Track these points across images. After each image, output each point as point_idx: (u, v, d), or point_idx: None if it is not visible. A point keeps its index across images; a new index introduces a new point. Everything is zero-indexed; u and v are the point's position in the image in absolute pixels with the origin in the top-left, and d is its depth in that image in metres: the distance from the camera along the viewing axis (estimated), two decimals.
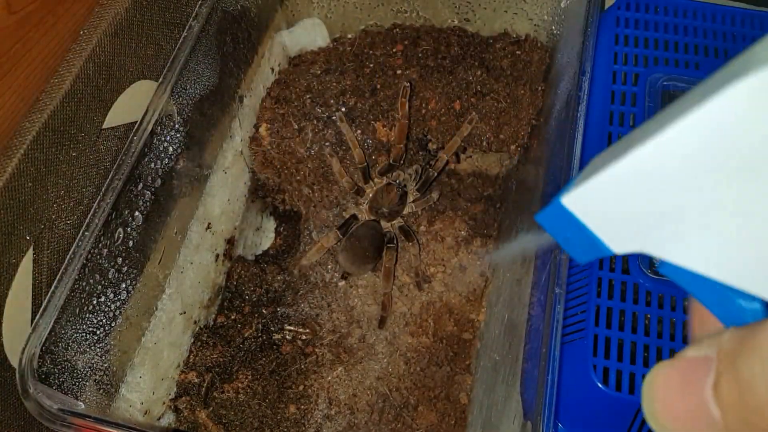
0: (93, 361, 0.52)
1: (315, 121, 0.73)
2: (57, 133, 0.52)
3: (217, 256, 0.71)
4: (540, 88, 0.71)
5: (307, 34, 0.81)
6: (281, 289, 0.73)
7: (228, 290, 0.73)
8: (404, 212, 0.73)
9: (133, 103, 0.59)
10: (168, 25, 0.63)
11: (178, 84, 0.59)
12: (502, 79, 0.72)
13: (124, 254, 0.55)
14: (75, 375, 0.50)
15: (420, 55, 0.76)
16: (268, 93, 0.77)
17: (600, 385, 0.49)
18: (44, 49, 0.52)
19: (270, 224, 0.80)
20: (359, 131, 0.73)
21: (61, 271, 0.49)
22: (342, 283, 0.73)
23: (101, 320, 0.53)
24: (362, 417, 0.65)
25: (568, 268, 0.47)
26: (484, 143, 0.73)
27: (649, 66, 0.64)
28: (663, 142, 0.17)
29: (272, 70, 0.78)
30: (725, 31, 0.66)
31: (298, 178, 0.76)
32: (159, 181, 0.59)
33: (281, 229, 0.80)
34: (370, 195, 0.73)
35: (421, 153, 0.75)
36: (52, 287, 0.48)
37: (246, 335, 0.69)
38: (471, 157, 0.78)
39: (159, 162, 0.58)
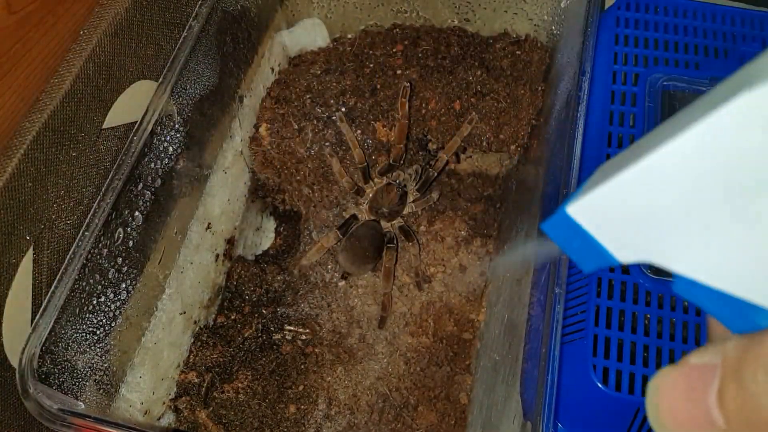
0: (93, 361, 0.52)
1: (315, 121, 0.73)
2: (57, 133, 0.52)
3: (217, 256, 0.71)
4: (540, 88, 0.71)
5: (307, 34, 0.81)
6: (281, 289, 0.73)
7: (228, 290, 0.73)
8: (404, 212, 0.73)
9: (133, 103, 0.59)
10: (168, 25, 0.63)
11: (178, 84, 0.59)
12: (502, 79, 0.72)
13: (124, 254, 0.55)
14: (75, 375, 0.50)
15: (420, 55, 0.76)
16: (268, 93, 0.77)
17: (600, 385, 0.49)
18: (44, 49, 0.52)
19: (270, 224, 0.80)
20: (359, 131, 0.73)
21: (61, 271, 0.49)
22: (342, 283, 0.73)
23: (101, 320, 0.53)
24: (362, 417, 0.65)
25: (568, 268, 0.47)
26: (484, 143, 0.73)
27: (649, 66, 0.64)
28: (669, 153, 0.17)
29: (272, 70, 0.78)
30: (725, 31, 0.66)
31: (298, 178, 0.76)
32: (159, 181, 0.59)
33: (281, 229, 0.80)
34: (370, 195, 0.73)
35: (421, 153, 0.75)
36: (52, 287, 0.48)
37: (246, 335, 0.69)
38: (471, 157, 0.78)
39: (159, 162, 0.58)
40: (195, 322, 0.68)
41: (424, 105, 0.72)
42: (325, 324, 0.71)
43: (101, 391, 0.54)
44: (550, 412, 0.42)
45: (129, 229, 0.55)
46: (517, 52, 0.75)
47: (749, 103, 0.15)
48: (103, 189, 0.52)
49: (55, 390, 0.47)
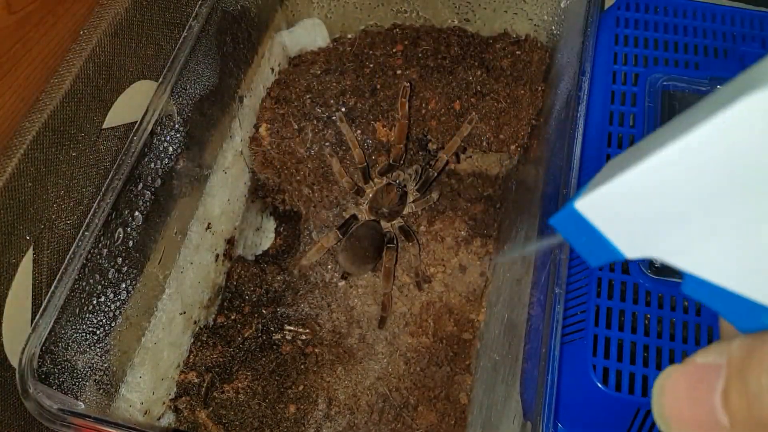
0: (93, 361, 0.52)
1: (315, 121, 0.73)
2: (57, 133, 0.52)
3: (217, 256, 0.71)
4: (540, 88, 0.71)
5: (307, 34, 0.81)
6: (281, 289, 0.73)
7: (228, 290, 0.73)
8: (404, 212, 0.73)
9: (133, 103, 0.59)
10: (168, 25, 0.63)
11: (178, 84, 0.59)
12: (502, 79, 0.72)
13: (124, 254, 0.55)
14: (75, 375, 0.50)
15: (420, 55, 0.76)
16: (268, 93, 0.77)
17: (599, 385, 0.49)
18: (44, 49, 0.52)
19: (270, 224, 0.80)
20: (359, 131, 0.73)
21: (61, 271, 0.49)
22: (342, 283, 0.73)
23: (101, 320, 0.53)
24: (362, 417, 0.65)
25: (568, 268, 0.47)
26: (484, 143, 0.73)
27: (649, 66, 0.64)
28: (676, 151, 0.17)
29: (272, 70, 0.78)
30: (725, 31, 0.66)
31: (298, 178, 0.76)
32: (159, 181, 0.59)
33: (281, 229, 0.80)
34: (370, 195, 0.73)
35: (421, 153, 0.75)
36: (52, 287, 0.48)
37: (246, 335, 0.69)
38: (471, 157, 0.78)
39: (159, 162, 0.58)
40: (195, 322, 0.68)
41: (424, 105, 0.72)
42: (325, 324, 0.71)
43: (101, 391, 0.54)
44: (550, 412, 0.42)
45: (129, 229, 0.55)
46: (517, 52, 0.75)
47: (757, 103, 0.15)
48: (103, 189, 0.52)
49: (55, 390, 0.47)
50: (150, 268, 0.59)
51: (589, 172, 0.58)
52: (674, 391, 0.18)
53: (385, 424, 0.65)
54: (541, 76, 0.72)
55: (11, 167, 0.48)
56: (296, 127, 0.74)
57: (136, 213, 0.56)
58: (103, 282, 0.53)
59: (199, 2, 0.63)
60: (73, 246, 0.50)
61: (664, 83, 0.63)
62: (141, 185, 0.56)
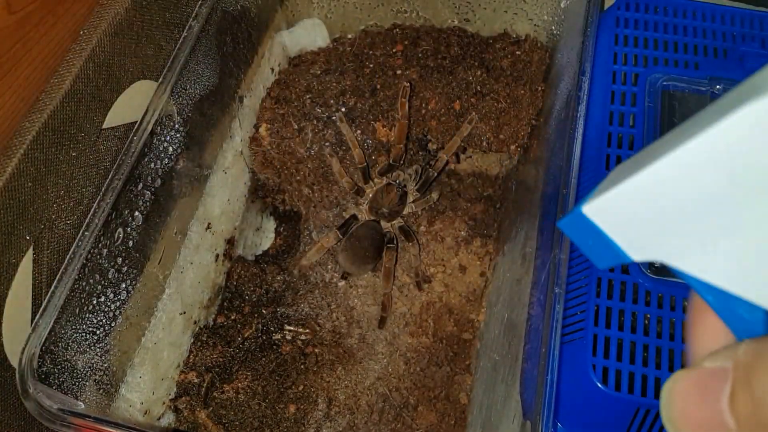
0: (93, 361, 0.52)
1: (315, 121, 0.73)
2: (57, 133, 0.52)
3: (217, 256, 0.71)
4: (540, 88, 0.71)
5: (307, 35, 0.82)
6: (281, 289, 0.73)
7: (228, 290, 0.73)
8: (404, 212, 0.73)
9: (133, 103, 0.59)
10: (168, 25, 0.63)
11: (178, 84, 0.59)
12: (502, 80, 0.72)
13: (124, 254, 0.55)
14: (75, 375, 0.50)
15: (420, 55, 0.76)
16: (268, 93, 0.77)
17: (599, 385, 0.49)
18: (44, 49, 0.52)
19: (270, 224, 0.80)
20: (359, 131, 0.73)
21: (61, 271, 0.49)
22: (342, 283, 0.73)
23: (101, 320, 0.53)
24: (362, 417, 0.65)
25: (568, 268, 0.47)
26: (484, 143, 0.73)
27: (649, 66, 0.64)
28: (682, 156, 0.17)
29: (272, 70, 0.78)
30: (725, 31, 0.66)
31: (298, 178, 0.76)
32: (159, 181, 0.59)
33: (281, 229, 0.80)
34: (370, 195, 0.73)
35: (421, 153, 0.75)
36: (52, 287, 0.48)
37: (246, 335, 0.69)
38: (471, 157, 0.78)
39: (159, 162, 0.58)
40: (195, 322, 0.68)
41: (424, 105, 0.72)
42: (325, 324, 0.71)
43: (101, 391, 0.54)
44: (550, 412, 0.42)
45: (129, 229, 0.55)
46: (517, 53, 0.75)
47: (761, 110, 0.16)
48: (103, 189, 0.52)
49: (55, 390, 0.47)
50: (150, 268, 0.59)
51: (589, 172, 0.58)
52: (682, 396, 0.18)
53: (385, 424, 0.65)
54: (541, 76, 0.72)
55: (11, 167, 0.48)
56: (296, 127, 0.74)
57: (136, 213, 0.56)
58: (103, 282, 0.53)
59: (199, 2, 0.63)
60: (73, 246, 0.50)
61: (664, 83, 0.63)
62: (141, 185, 0.56)
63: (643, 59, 0.65)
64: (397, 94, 0.71)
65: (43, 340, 0.47)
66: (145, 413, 0.60)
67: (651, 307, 0.52)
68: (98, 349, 0.53)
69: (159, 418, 0.62)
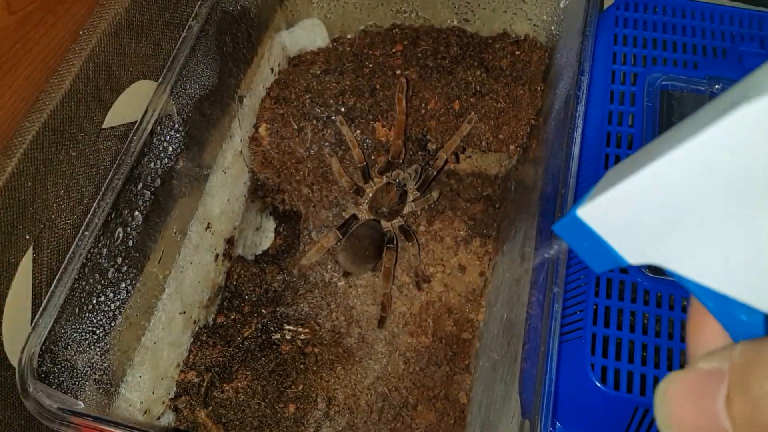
0: (93, 361, 0.53)
1: (314, 121, 0.73)
2: (57, 132, 0.52)
3: (217, 256, 0.72)
4: (539, 88, 0.71)
5: (307, 35, 0.82)
6: (281, 289, 0.73)
7: (228, 290, 0.73)
8: (404, 212, 0.73)
9: (133, 103, 0.59)
10: (168, 25, 0.63)
11: (177, 84, 0.59)
12: (502, 80, 0.72)
13: (123, 254, 0.55)
14: (75, 374, 0.50)
15: (419, 55, 0.76)
16: (267, 93, 0.77)
17: (598, 384, 0.49)
18: (44, 49, 0.52)
19: (270, 224, 0.80)
20: (359, 131, 0.73)
21: (60, 270, 0.49)
22: (342, 283, 0.73)
23: (101, 320, 0.53)
24: (361, 417, 0.66)
25: (566, 268, 0.47)
26: (484, 143, 0.73)
27: (648, 66, 0.64)
28: (675, 159, 0.17)
29: (272, 70, 0.79)
30: (725, 31, 0.66)
31: (298, 178, 0.76)
32: (159, 181, 0.59)
33: (281, 229, 0.80)
34: (370, 195, 0.73)
35: (420, 153, 0.75)
36: (52, 287, 0.49)
37: (246, 335, 0.69)
38: (470, 157, 0.79)
39: (159, 162, 0.59)
40: (195, 322, 0.68)
41: (423, 105, 0.73)
42: (325, 324, 0.71)
43: (101, 390, 0.54)
44: (549, 411, 0.42)
45: (129, 229, 0.55)
46: (517, 53, 0.75)
47: (756, 112, 0.16)
48: (102, 189, 0.53)
49: (55, 389, 0.47)
50: (150, 268, 0.60)
51: (588, 172, 0.59)
52: (677, 397, 0.18)
53: (384, 424, 0.65)
54: (540, 76, 0.73)
55: (11, 167, 0.48)
56: (296, 127, 0.74)
57: (136, 213, 0.56)
58: (102, 281, 0.53)
59: (199, 2, 0.63)
60: (73, 246, 0.50)
61: (663, 83, 0.63)
62: (141, 185, 0.56)
63: (642, 59, 0.65)
64: (395, 91, 0.71)
65: (43, 339, 0.47)
66: (145, 413, 0.60)
67: (649, 306, 0.52)
68: (98, 349, 0.53)
69: (159, 418, 0.62)
